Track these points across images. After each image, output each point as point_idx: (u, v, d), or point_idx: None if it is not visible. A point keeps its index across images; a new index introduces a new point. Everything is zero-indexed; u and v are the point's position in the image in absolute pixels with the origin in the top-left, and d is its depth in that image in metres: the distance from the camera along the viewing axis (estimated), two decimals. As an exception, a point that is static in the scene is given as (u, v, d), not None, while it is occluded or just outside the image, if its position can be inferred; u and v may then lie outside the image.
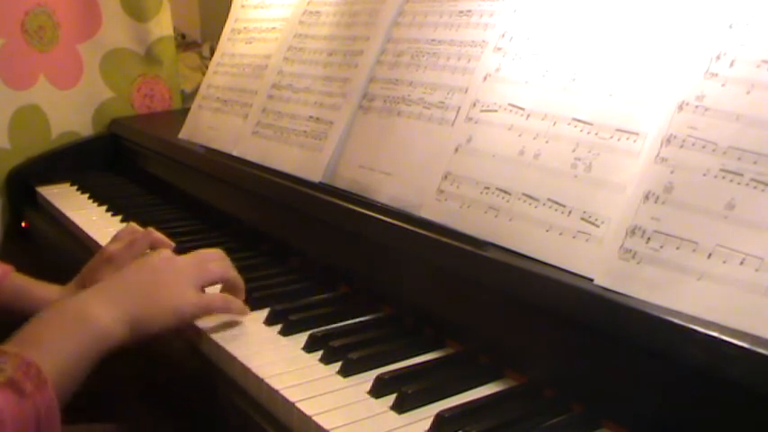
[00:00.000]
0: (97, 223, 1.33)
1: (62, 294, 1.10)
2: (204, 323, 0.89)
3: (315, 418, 0.70)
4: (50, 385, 0.68)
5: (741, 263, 0.62)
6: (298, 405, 0.73)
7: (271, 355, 0.83)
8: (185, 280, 0.87)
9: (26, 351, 0.70)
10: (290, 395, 0.74)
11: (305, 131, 1.16)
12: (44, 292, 1.11)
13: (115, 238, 1.15)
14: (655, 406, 0.65)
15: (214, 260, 0.93)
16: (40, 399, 0.66)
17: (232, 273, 0.94)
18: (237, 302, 0.92)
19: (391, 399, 0.73)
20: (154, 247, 1.16)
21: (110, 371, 0.79)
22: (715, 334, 0.60)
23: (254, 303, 0.96)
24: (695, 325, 0.61)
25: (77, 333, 0.76)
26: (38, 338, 0.74)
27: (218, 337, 0.87)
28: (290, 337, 0.87)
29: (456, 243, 0.83)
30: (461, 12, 1.00)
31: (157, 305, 0.84)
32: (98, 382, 0.78)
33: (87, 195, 1.54)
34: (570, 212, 0.76)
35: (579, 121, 0.80)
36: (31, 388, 0.66)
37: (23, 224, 1.62)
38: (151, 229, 1.16)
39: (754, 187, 0.64)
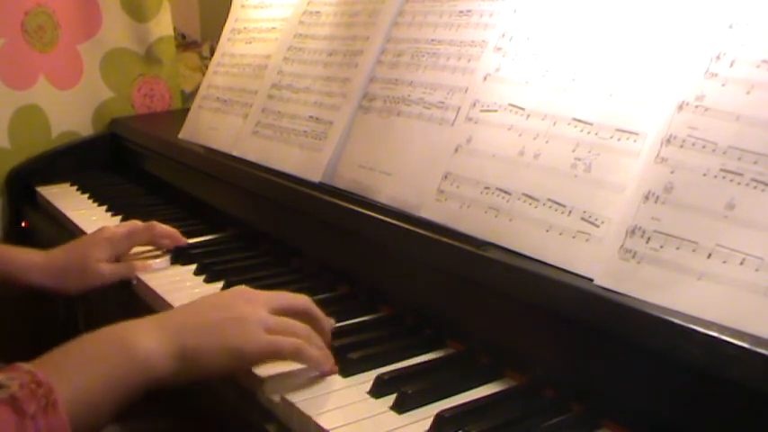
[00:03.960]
0: (97, 223, 1.32)
1: (45, 259, 1.10)
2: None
3: (315, 418, 0.70)
4: (62, 408, 0.63)
5: (741, 263, 0.62)
6: (298, 405, 0.73)
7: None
8: (257, 318, 0.77)
9: (45, 370, 0.66)
10: (290, 395, 0.74)
11: (305, 131, 1.16)
12: (26, 256, 1.11)
13: (118, 225, 1.16)
14: (655, 406, 0.65)
15: (298, 306, 0.82)
16: (45, 421, 0.62)
17: (320, 318, 0.83)
18: (311, 351, 0.77)
19: (391, 399, 0.73)
20: (158, 242, 1.16)
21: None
22: (715, 334, 0.60)
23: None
24: (695, 325, 0.61)
25: (111, 357, 0.70)
26: (65, 358, 0.69)
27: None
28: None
29: (456, 243, 0.83)
30: (461, 12, 1.00)
31: (218, 342, 0.74)
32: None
33: (87, 195, 1.54)
34: (570, 212, 0.76)
35: (579, 121, 0.80)
36: (35, 409, 0.62)
37: (23, 224, 1.63)
38: (155, 223, 1.16)
39: (755, 187, 0.64)
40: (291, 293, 0.86)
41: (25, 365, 0.66)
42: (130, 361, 0.71)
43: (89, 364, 0.70)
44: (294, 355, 0.77)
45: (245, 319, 0.76)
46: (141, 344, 0.72)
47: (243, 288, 0.84)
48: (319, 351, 0.78)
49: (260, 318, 0.77)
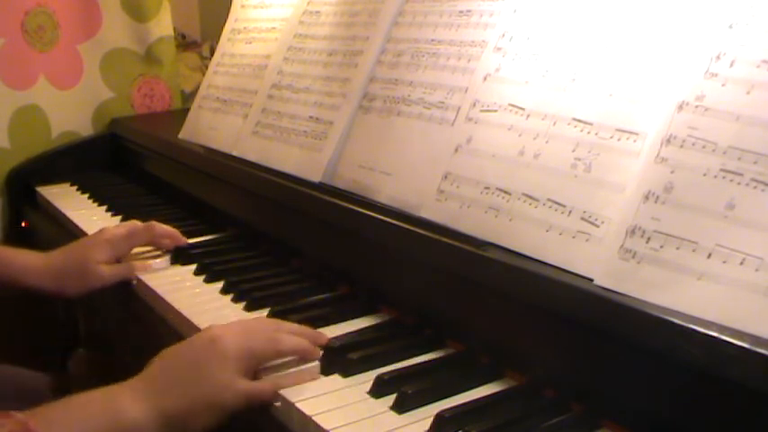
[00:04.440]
0: (97, 223, 1.33)
1: (44, 261, 1.10)
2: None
3: (315, 418, 0.70)
4: None
5: (741, 263, 0.62)
6: (298, 405, 0.73)
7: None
8: (231, 367, 0.76)
9: (37, 421, 0.67)
10: (290, 395, 0.74)
11: (305, 131, 1.16)
12: (25, 258, 1.11)
13: (118, 226, 1.16)
14: (655, 406, 0.65)
15: (262, 336, 0.80)
16: None
17: (285, 345, 0.80)
18: (288, 381, 0.77)
19: (391, 399, 0.73)
20: (158, 242, 1.16)
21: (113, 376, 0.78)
22: (715, 334, 0.60)
23: (253, 304, 0.96)
24: (695, 325, 0.61)
25: (99, 422, 0.72)
26: (57, 414, 0.71)
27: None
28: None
29: (456, 243, 0.83)
30: (461, 12, 1.00)
31: (199, 402, 0.74)
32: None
33: (87, 195, 1.54)
34: (570, 212, 0.76)
35: (579, 121, 0.80)
36: None
37: (23, 224, 1.63)
38: (154, 223, 1.16)
39: (754, 187, 0.64)
40: (262, 335, 0.82)
41: (19, 414, 0.67)
42: (117, 428, 0.72)
43: (79, 424, 0.71)
44: (276, 394, 0.76)
45: (222, 370, 0.75)
46: (128, 413, 0.72)
47: (212, 333, 0.80)
48: (294, 376, 0.78)
49: (233, 368, 0.76)
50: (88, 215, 1.41)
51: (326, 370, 0.80)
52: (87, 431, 0.71)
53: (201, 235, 1.26)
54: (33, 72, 1.67)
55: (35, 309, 1.43)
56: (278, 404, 0.75)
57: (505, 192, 0.83)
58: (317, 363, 0.80)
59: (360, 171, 1.05)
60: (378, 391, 0.75)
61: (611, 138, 0.76)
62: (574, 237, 0.75)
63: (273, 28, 1.36)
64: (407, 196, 0.96)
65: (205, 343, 0.79)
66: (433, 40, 1.02)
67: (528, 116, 0.85)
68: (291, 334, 0.82)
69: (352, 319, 0.92)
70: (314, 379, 0.78)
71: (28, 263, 1.10)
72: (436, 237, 0.85)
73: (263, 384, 0.77)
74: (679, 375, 0.62)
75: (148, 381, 0.76)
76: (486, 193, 0.85)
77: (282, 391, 0.75)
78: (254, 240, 1.20)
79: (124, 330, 1.13)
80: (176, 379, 0.76)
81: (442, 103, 0.97)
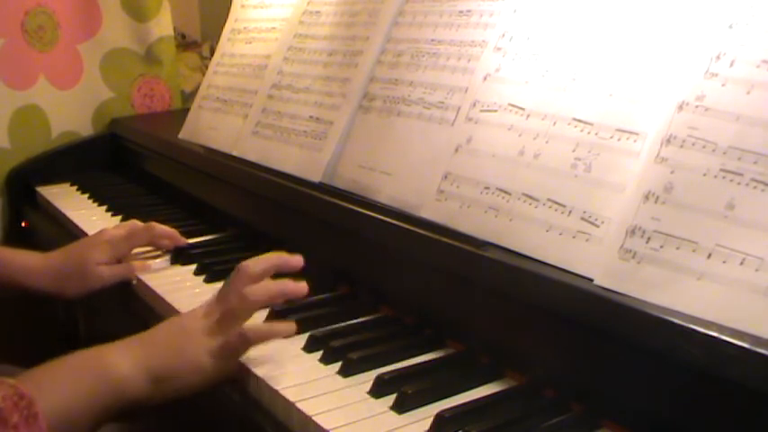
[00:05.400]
0: (97, 223, 1.33)
1: (44, 262, 1.11)
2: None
3: (315, 418, 0.70)
4: (42, 420, 0.67)
5: (741, 263, 0.62)
6: (298, 405, 0.73)
7: (271, 355, 0.83)
8: (215, 330, 0.81)
9: (28, 385, 0.69)
10: (290, 395, 0.74)
11: (305, 131, 1.16)
12: (25, 259, 1.11)
13: (117, 226, 1.16)
14: (655, 406, 0.65)
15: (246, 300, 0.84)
16: (26, 431, 0.66)
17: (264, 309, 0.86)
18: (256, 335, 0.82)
19: (391, 399, 0.73)
20: (157, 242, 1.16)
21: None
22: (715, 334, 0.60)
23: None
24: (695, 325, 0.61)
25: (88, 378, 0.74)
26: (47, 376, 0.73)
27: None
28: (290, 338, 0.87)
29: (456, 243, 0.83)
30: (461, 12, 1.00)
31: (182, 360, 0.78)
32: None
33: (87, 195, 1.54)
34: (570, 212, 0.76)
35: (579, 121, 0.80)
36: (18, 420, 0.65)
37: (23, 224, 1.63)
38: (153, 224, 1.16)
39: (754, 187, 0.64)
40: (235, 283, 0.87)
41: (9, 380, 0.69)
42: (106, 383, 0.75)
43: (69, 384, 0.73)
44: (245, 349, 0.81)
45: (206, 333, 0.80)
46: (116, 368, 0.75)
47: (196, 311, 0.85)
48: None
49: (217, 332, 0.80)
50: (88, 215, 1.41)
51: (308, 347, 0.85)
52: (76, 390, 0.73)
53: (201, 235, 1.26)
54: (33, 72, 1.67)
55: (35, 309, 1.42)
56: (259, 386, 0.77)
57: (505, 192, 0.83)
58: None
59: (360, 171, 1.05)
60: (378, 391, 0.75)
61: (612, 138, 0.76)
62: (574, 237, 0.75)
63: (273, 28, 1.37)
64: (407, 196, 0.96)
65: (193, 315, 0.84)
66: (433, 40, 1.02)
67: (528, 116, 0.85)
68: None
69: (353, 319, 0.92)
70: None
71: (28, 264, 1.10)
72: (436, 237, 0.85)
73: (240, 349, 0.81)
74: (679, 375, 0.63)
75: (137, 340, 0.80)
76: (486, 193, 0.85)
77: (282, 391, 0.75)
78: (254, 240, 1.20)
79: (124, 330, 1.13)
80: (164, 339, 0.80)
81: (442, 103, 0.97)
